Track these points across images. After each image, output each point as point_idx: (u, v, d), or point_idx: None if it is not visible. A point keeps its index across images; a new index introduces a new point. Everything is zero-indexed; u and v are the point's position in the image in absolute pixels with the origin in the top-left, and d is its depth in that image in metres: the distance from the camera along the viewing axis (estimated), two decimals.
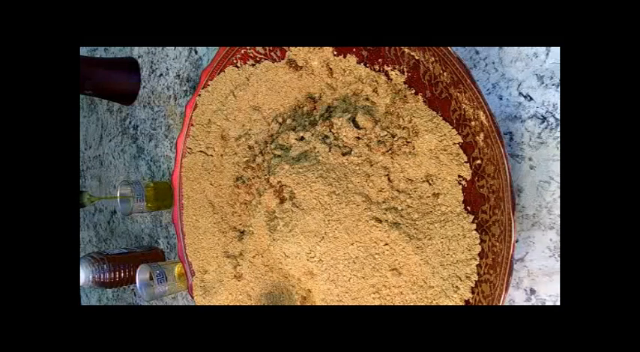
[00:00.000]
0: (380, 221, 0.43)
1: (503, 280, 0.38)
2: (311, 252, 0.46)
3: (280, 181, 0.48)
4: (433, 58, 0.41)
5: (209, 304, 0.56)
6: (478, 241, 0.40)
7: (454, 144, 0.41)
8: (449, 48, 0.40)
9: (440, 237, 0.41)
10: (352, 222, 0.44)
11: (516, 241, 0.39)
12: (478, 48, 0.45)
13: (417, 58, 0.43)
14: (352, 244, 0.44)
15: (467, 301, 0.40)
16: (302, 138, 0.49)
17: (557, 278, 0.41)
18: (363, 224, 0.44)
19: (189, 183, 0.60)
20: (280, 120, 0.53)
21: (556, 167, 0.41)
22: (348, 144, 0.46)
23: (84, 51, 0.99)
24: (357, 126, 0.46)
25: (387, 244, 0.43)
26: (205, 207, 0.58)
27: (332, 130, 0.47)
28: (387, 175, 0.44)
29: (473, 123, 0.40)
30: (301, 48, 0.49)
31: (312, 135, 0.48)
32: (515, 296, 0.43)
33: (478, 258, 0.40)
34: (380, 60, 0.45)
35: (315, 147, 0.47)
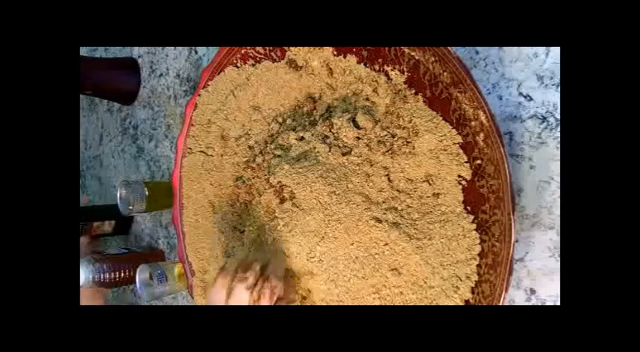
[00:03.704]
0: (380, 221, 0.43)
1: (503, 280, 0.38)
2: (311, 252, 0.46)
3: (280, 181, 0.48)
4: (433, 58, 0.41)
5: (209, 304, 0.56)
6: (478, 241, 0.40)
7: (454, 144, 0.41)
8: (449, 48, 0.40)
9: (440, 237, 0.41)
10: (352, 222, 0.44)
11: (516, 241, 0.39)
12: (478, 48, 0.45)
13: (417, 58, 0.43)
14: (352, 244, 0.44)
15: (467, 301, 0.40)
16: (302, 138, 0.49)
17: (557, 278, 0.41)
18: (363, 224, 0.43)
19: (189, 183, 0.60)
20: (280, 120, 0.53)
21: (556, 167, 0.41)
22: (348, 144, 0.46)
23: (84, 51, 0.99)
24: (357, 126, 0.46)
25: (387, 244, 0.43)
26: (205, 207, 0.58)
27: (332, 130, 0.47)
28: (387, 175, 0.44)
29: (473, 123, 0.40)
30: (301, 48, 0.49)
31: (312, 135, 0.48)
32: (515, 296, 0.43)
33: (478, 258, 0.40)
34: (380, 60, 0.45)
35: (315, 147, 0.47)
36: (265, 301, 0.42)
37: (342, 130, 0.46)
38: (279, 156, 0.50)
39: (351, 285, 0.44)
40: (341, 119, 0.46)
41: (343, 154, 0.46)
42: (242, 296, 0.42)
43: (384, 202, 0.44)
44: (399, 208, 0.43)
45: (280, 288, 0.44)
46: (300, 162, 0.47)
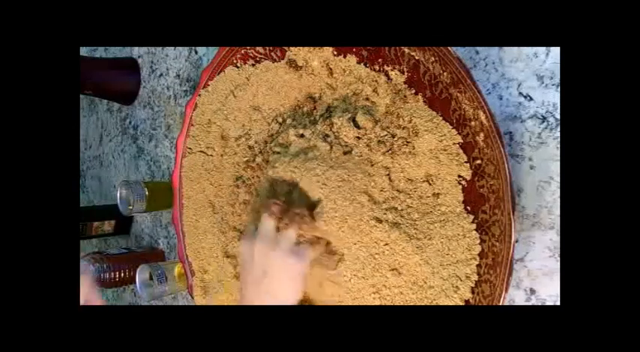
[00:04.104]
0: (380, 221, 0.43)
1: (503, 280, 0.38)
2: None
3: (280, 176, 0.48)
4: (433, 58, 0.41)
5: (209, 304, 0.56)
6: (478, 241, 0.40)
7: (454, 144, 0.41)
8: (449, 48, 0.40)
9: (440, 237, 0.41)
10: (354, 221, 0.44)
11: (516, 241, 0.39)
12: (478, 48, 0.45)
13: (417, 58, 0.43)
14: (355, 244, 0.44)
15: (467, 301, 0.40)
16: (302, 136, 0.48)
17: (557, 278, 0.41)
18: (364, 224, 0.43)
19: (189, 183, 0.60)
20: (280, 120, 0.52)
21: (556, 167, 0.41)
22: (348, 143, 0.46)
23: (84, 51, 0.99)
24: (357, 126, 0.45)
25: (387, 244, 0.43)
26: (205, 207, 0.58)
27: (332, 130, 0.47)
28: (388, 175, 0.44)
29: (473, 123, 0.40)
30: (301, 48, 0.49)
31: (313, 133, 0.47)
32: (515, 296, 0.43)
33: (478, 258, 0.40)
34: (380, 60, 0.45)
35: (315, 146, 0.47)
36: (294, 227, 0.43)
37: (342, 130, 0.46)
38: (277, 152, 0.50)
39: (351, 285, 0.44)
40: (341, 119, 0.46)
41: (344, 154, 0.46)
42: (269, 225, 0.44)
43: (384, 202, 0.44)
44: (399, 208, 0.43)
45: (308, 218, 0.44)
46: (300, 157, 0.47)
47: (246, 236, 0.46)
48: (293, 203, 0.46)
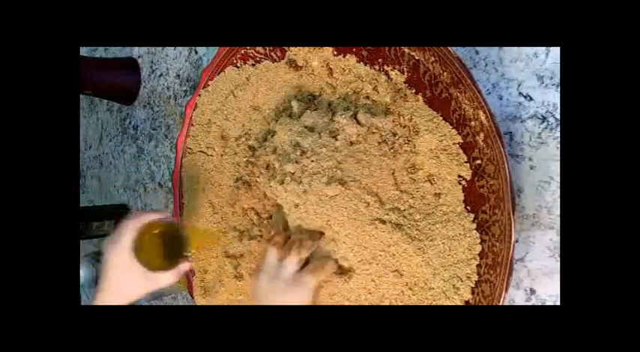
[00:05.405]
0: (384, 222, 0.43)
1: (503, 280, 0.38)
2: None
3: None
4: (433, 58, 0.41)
5: (209, 304, 0.56)
6: (479, 240, 0.40)
7: (454, 144, 0.41)
8: (449, 48, 0.40)
9: (441, 238, 0.41)
10: (359, 222, 0.44)
11: (516, 241, 0.39)
12: (478, 48, 0.45)
13: (417, 58, 0.43)
14: (357, 245, 0.44)
15: (467, 302, 0.40)
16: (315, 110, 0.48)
17: (557, 278, 0.41)
18: (368, 224, 0.43)
19: (190, 183, 0.60)
20: None
21: (556, 167, 0.41)
22: (352, 141, 0.46)
23: (84, 51, 0.98)
24: (359, 123, 0.45)
25: (390, 246, 0.43)
26: (205, 207, 0.58)
27: (335, 127, 0.46)
28: (393, 174, 0.44)
29: (473, 123, 0.40)
30: (301, 48, 0.49)
31: (318, 123, 0.47)
32: (515, 296, 0.43)
33: (478, 258, 0.40)
34: (380, 60, 0.45)
35: (323, 143, 0.46)
36: (294, 254, 0.44)
37: (345, 127, 0.45)
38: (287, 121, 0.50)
39: (352, 286, 0.44)
40: (343, 116, 0.45)
41: (349, 151, 0.45)
42: (272, 256, 0.45)
43: (388, 202, 0.44)
44: (402, 209, 0.43)
45: (308, 243, 0.44)
46: (307, 128, 0.47)
47: (257, 271, 0.46)
48: (293, 230, 0.46)
